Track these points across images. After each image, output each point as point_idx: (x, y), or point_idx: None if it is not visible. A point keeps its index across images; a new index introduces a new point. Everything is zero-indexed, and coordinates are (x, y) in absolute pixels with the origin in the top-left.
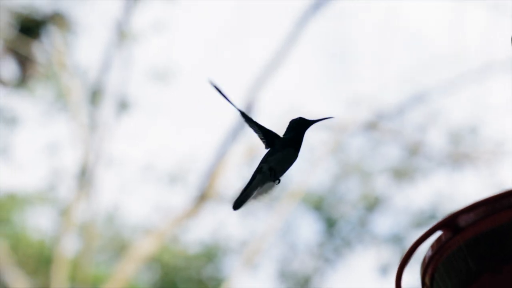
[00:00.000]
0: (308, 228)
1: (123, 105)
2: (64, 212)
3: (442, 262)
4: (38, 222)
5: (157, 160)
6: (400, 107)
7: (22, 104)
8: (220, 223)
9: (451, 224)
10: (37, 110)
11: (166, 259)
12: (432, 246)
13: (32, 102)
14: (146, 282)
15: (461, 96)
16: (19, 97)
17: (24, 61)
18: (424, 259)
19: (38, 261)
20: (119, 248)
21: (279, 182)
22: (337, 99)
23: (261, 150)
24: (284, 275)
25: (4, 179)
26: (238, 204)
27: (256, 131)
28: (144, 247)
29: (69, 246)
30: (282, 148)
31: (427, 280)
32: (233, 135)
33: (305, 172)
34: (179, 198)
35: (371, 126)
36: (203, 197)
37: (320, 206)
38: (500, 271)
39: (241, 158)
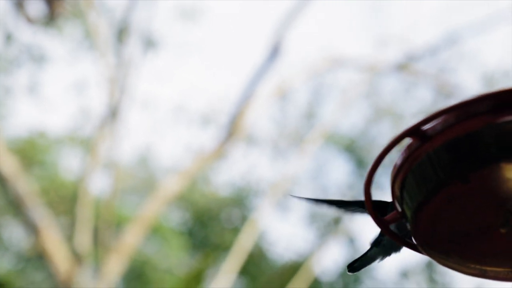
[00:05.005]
0: (339, 170)
1: (150, 43)
2: (91, 152)
3: (411, 170)
4: (70, 163)
5: (187, 100)
6: (431, 49)
7: (50, 42)
8: (251, 165)
9: (420, 131)
10: (65, 48)
11: (196, 200)
12: (402, 153)
13: (59, 41)
14: (175, 221)
15: (494, 37)
16: (47, 35)
17: (51, 0)
18: (394, 167)
19: (70, 202)
20: (151, 189)
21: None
22: (367, 40)
23: (291, 90)
24: (314, 216)
25: (34, 118)
26: (354, 268)
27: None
28: (171, 186)
29: (96, 186)
30: None
31: (396, 188)
32: (261, 74)
33: (334, 113)
34: (209, 138)
35: (403, 67)
36: (230, 137)
37: (351, 147)
38: (468, 179)
39: (271, 97)
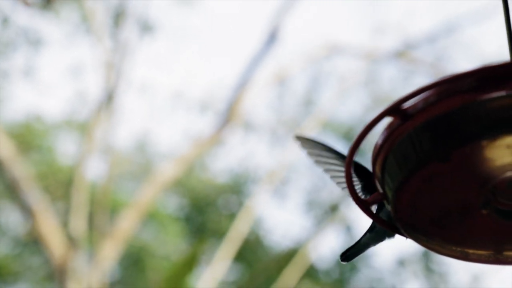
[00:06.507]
0: None
1: (147, 28)
2: (88, 137)
3: (392, 150)
4: (67, 148)
5: (185, 86)
6: (429, 36)
7: (46, 26)
8: (248, 152)
9: (400, 109)
10: (61, 32)
11: (193, 186)
12: (383, 133)
13: (56, 24)
14: (172, 207)
15: (492, 25)
16: (43, 18)
17: None
18: (375, 147)
19: (66, 186)
20: (147, 174)
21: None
22: (365, 28)
23: (289, 76)
24: (311, 204)
25: (31, 102)
26: (347, 257)
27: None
28: (168, 172)
29: (92, 171)
30: None
31: (377, 169)
32: (259, 61)
33: (332, 100)
34: (207, 124)
35: (400, 55)
36: (228, 123)
37: (349, 135)
38: (449, 157)
39: (268, 84)
